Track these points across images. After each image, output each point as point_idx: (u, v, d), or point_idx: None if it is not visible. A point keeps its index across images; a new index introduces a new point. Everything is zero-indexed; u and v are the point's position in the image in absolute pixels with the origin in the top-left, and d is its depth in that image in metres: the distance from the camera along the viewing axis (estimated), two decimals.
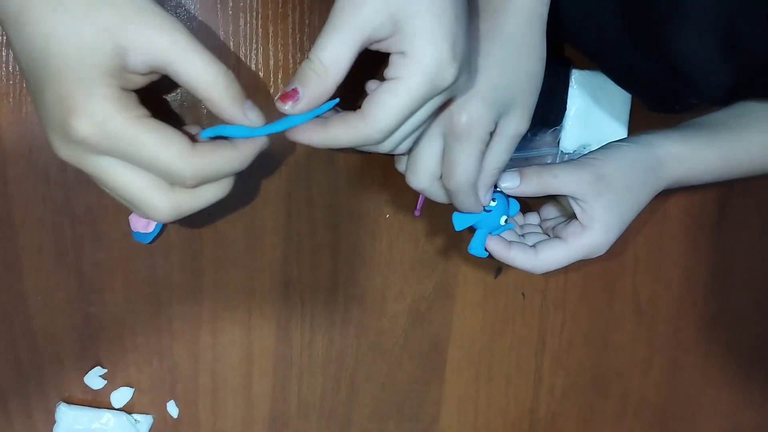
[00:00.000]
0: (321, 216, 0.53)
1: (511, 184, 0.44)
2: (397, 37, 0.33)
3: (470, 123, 0.38)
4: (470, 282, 0.57)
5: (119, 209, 0.49)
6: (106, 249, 0.50)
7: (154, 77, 0.34)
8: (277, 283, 0.54)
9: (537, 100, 0.41)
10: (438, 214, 0.55)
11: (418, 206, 0.54)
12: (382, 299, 0.56)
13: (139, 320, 0.52)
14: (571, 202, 0.45)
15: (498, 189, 0.46)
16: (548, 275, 0.60)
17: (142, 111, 0.32)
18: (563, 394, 0.63)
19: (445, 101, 0.36)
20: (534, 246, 0.46)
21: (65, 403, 0.51)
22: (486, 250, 0.46)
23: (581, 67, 0.54)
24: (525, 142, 0.54)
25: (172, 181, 0.33)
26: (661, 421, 0.66)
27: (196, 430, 0.55)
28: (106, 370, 0.52)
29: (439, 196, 0.44)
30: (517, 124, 0.41)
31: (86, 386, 0.51)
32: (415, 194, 0.54)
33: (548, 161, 0.55)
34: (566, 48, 0.54)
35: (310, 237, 0.53)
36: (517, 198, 0.46)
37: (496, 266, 0.58)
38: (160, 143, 0.32)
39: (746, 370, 0.68)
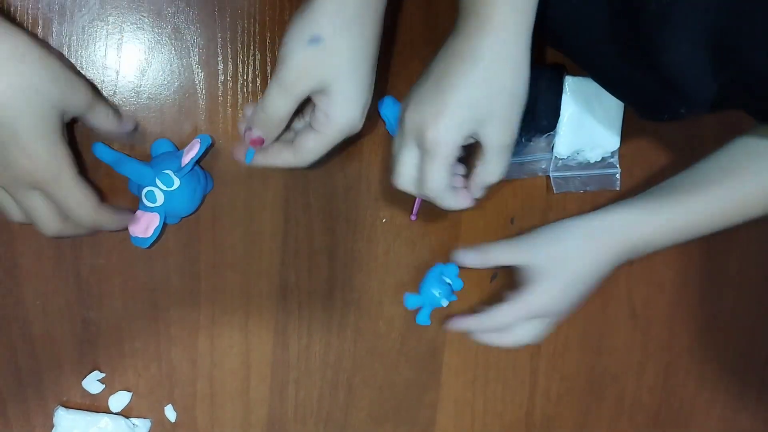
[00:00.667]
0: (318, 221, 0.54)
1: (465, 261, 0.52)
2: (322, 97, 0.42)
3: (436, 140, 0.41)
4: (466, 286, 0.58)
5: None
6: (105, 255, 0.50)
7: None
8: (275, 287, 0.54)
9: (521, 112, 0.42)
10: (433, 219, 0.56)
11: (414, 211, 0.54)
12: (378, 303, 0.57)
13: (137, 325, 0.52)
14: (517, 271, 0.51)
15: (444, 280, 0.55)
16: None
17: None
18: (559, 398, 0.63)
19: None
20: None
21: (63, 408, 0.51)
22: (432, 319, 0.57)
23: (575, 74, 0.54)
24: (519, 147, 0.54)
25: (77, 222, 0.44)
26: (656, 424, 0.67)
27: None
28: (104, 375, 0.52)
29: (425, 197, 0.46)
30: (498, 136, 0.42)
31: (84, 390, 0.52)
32: (411, 199, 0.55)
33: (542, 166, 0.55)
34: (560, 54, 0.55)
35: (308, 242, 0.54)
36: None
37: (491, 272, 0.59)
38: (84, 198, 0.43)
39: (740, 373, 0.68)
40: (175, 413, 0.54)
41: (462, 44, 0.41)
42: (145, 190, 0.48)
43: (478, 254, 0.51)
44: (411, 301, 0.56)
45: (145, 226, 0.48)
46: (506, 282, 0.55)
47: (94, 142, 0.47)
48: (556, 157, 0.55)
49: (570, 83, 0.54)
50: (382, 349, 0.58)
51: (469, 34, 0.41)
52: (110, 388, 0.52)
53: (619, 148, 0.56)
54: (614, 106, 0.55)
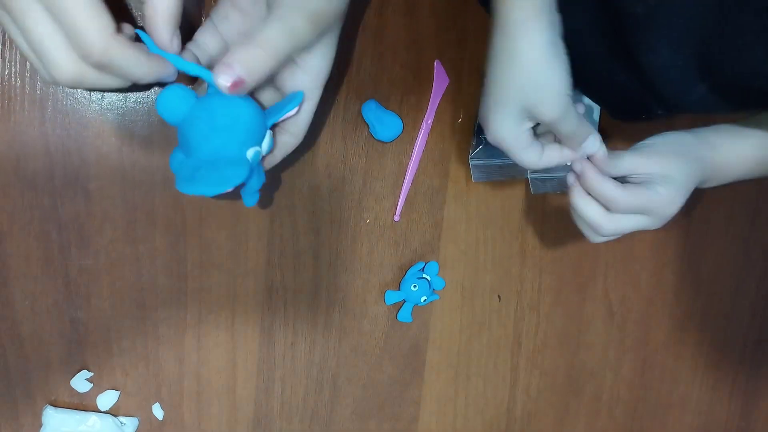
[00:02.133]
0: (303, 222, 0.55)
1: (592, 148, 0.48)
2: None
3: (495, 140, 0.46)
4: (448, 285, 0.59)
5: (106, 216, 0.50)
6: (93, 255, 0.51)
7: None
8: (261, 287, 0.55)
9: (564, 93, 0.43)
10: (417, 219, 0.57)
11: (398, 211, 0.56)
12: (362, 302, 0.58)
13: (125, 324, 0.53)
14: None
15: (423, 276, 0.57)
16: (523, 278, 0.62)
17: None
18: (539, 394, 0.65)
19: None
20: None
21: (52, 407, 0.52)
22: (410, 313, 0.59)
23: None
24: (498, 150, 0.56)
25: (82, 50, 0.34)
26: (633, 418, 0.69)
27: None
28: (92, 374, 0.53)
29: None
30: (549, 111, 0.44)
31: (73, 389, 0.52)
32: (393, 201, 0.56)
33: (520, 169, 0.57)
34: None
35: (293, 243, 0.55)
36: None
37: (470, 275, 0.60)
38: (90, 12, 0.33)
39: (714, 369, 0.70)
40: (162, 411, 0.55)
41: (497, 43, 0.43)
42: (252, 152, 0.40)
43: (606, 161, 0.48)
44: (390, 297, 0.57)
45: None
46: None
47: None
48: None
49: None
50: (366, 347, 0.59)
51: (501, 33, 0.42)
52: (98, 387, 0.53)
53: None
54: (590, 115, 0.57)
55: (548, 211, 0.61)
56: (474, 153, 0.56)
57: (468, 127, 0.57)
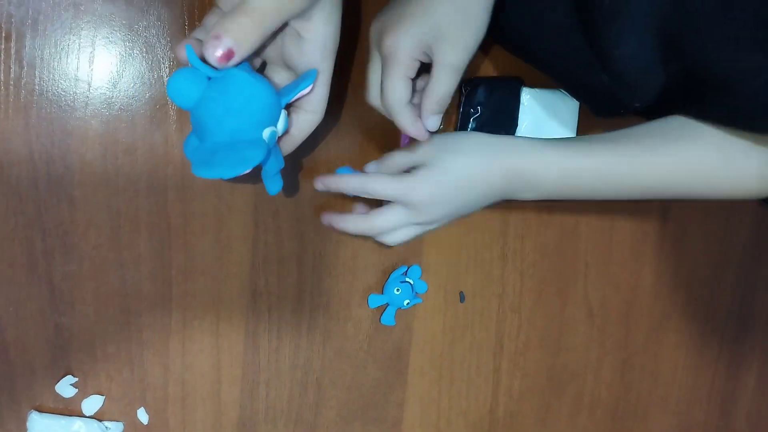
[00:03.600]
0: (287, 227, 0.56)
1: (369, 168, 0.50)
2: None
3: (393, 46, 0.43)
4: (431, 288, 0.60)
5: (90, 223, 0.51)
6: (77, 261, 0.51)
7: None
8: (245, 292, 0.56)
9: (476, 40, 0.44)
10: None
11: (403, 142, 0.55)
12: (346, 306, 0.59)
13: (110, 330, 0.53)
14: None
15: (406, 280, 0.58)
16: (505, 281, 0.63)
17: None
18: (521, 395, 0.66)
19: None
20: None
21: (37, 412, 0.52)
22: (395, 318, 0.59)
23: (531, 86, 0.57)
24: None
25: None
26: (614, 419, 0.70)
27: None
28: (77, 379, 0.53)
29: (387, 113, 0.47)
30: (449, 55, 0.44)
31: (57, 395, 0.53)
32: (378, 204, 0.57)
33: None
34: (517, 65, 0.57)
35: (277, 247, 0.56)
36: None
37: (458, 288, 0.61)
38: None
39: (692, 369, 0.71)
40: (147, 416, 0.55)
41: None
42: (268, 132, 0.40)
43: (380, 162, 0.49)
44: (374, 300, 0.58)
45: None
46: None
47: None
48: None
49: (526, 94, 0.57)
50: (350, 350, 0.60)
51: None
52: (83, 392, 0.53)
53: None
54: (569, 115, 0.59)
55: (528, 215, 0.62)
56: None
57: (446, 127, 0.58)
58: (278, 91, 0.40)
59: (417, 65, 0.45)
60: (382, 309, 0.59)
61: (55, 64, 0.49)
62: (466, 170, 0.46)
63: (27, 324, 0.51)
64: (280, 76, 0.44)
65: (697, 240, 0.68)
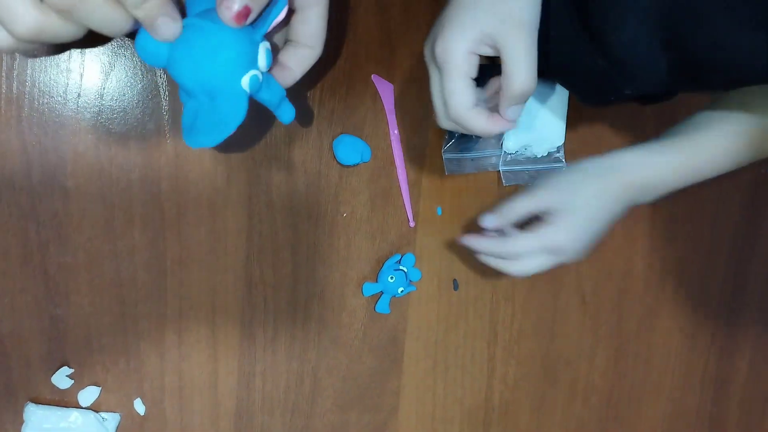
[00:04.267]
0: (281, 217, 0.56)
1: (490, 224, 0.52)
2: None
3: (444, 50, 0.42)
4: (424, 276, 0.61)
5: (84, 214, 0.51)
6: (72, 252, 0.52)
7: None
8: (240, 282, 0.56)
9: (537, 13, 0.42)
10: (392, 213, 0.59)
11: (410, 218, 0.58)
12: (341, 295, 0.59)
13: (105, 321, 0.53)
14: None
15: (399, 268, 0.58)
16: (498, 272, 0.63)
17: None
18: (515, 383, 0.66)
19: None
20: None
21: (33, 403, 0.52)
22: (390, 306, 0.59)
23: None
24: (470, 144, 0.57)
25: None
26: (608, 406, 0.70)
27: (163, 427, 0.56)
28: (72, 370, 0.53)
29: (456, 127, 0.45)
30: (513, 37, 0.41)
31: (54, 386, 0.53)
32: (370, 194, 0.57)
33: (492, 161, 0.59)
34: None
35: (271, 238, 0.56)
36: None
37: (452, 277, 0.62)
38: None
39: (685, 356, 0.72)
40: (144, 407, 0.55)
41: None
42: (247, 78, 0.36)
43: (499, 215, 0.51)
44: (368, 288, 0.58)
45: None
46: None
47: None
48: (505, 152, 0.58)
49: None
50: (345, 340, 0.60)
51: None
52: (79, 383, 0.53)
53: (564, 143, 0.59)
54: (559, 105, 0.59)
55: None
56: (447, 146, 0.57)
57: None
58: (252, 26, 0.37)
59: (476, 60, 0.42)
60: (377, 297, 0.59)
61: (47, 55, 0.49)
62: (592, 203, 0.50)
63: (22, 316, 0.51)
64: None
65: (688, 226, 0.69)
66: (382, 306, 0.59)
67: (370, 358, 0.61)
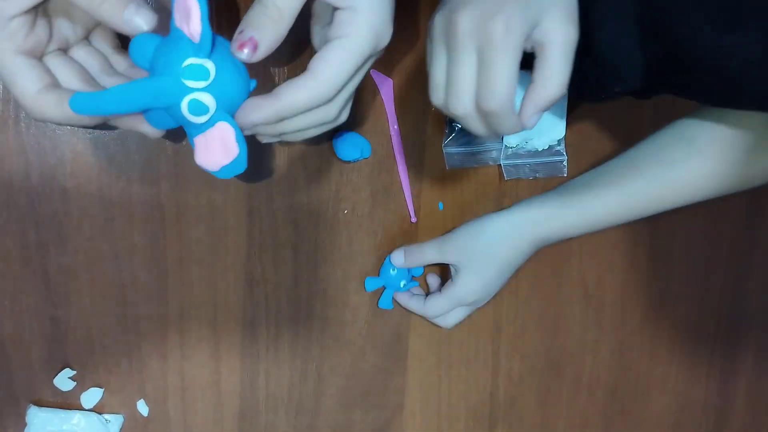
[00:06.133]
0: (281, 214, 0.56)
1: (397, 262, 0.57)
2: None
3: (504, 29, 0.36)
4: (427, 272, 0.60)
5: (84, 214, 0.51)
6: (71, 253, 0.51)
7: None
8: (241, 281, 0.56)
9: (576, 10, 0.39)
10: (393, 208, 0.58)
11: (411, 214, 0.57)
12: (343, 293, 0.59)
13: (106, 322, 0.53)
14: (452, 270, 0.57)
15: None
16: None
17: (23, 44, 0.35)
18: (520, 378, 0.66)
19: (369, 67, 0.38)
20: (426, 297, 0.59)
21: (36, 406, 0.52)
22: (393, 302, 0.60)
23: (521, 69, 0.58)
24: (471, 137, 0.57)
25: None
26: (613, 399, 0.70)
27: (167, 428, 0.56)
28: (75, 372, 0.53)
29: (476, 126, 0.41)
30: (561, 30, 0.38)
31: (56, 388, 0.52)
32: (371, 191, 0.57)
33: (493, 155, 0.58)
34: None
35: (272, 235, 0.56)
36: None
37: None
38: (14, 73, 0.35)
39: (690, 348, 0.72)
40: (147, 408, 0.55)
41: None
42: (185, 104, 0.33)
43: (409, 255, 0.57)
44: (370, 283, 0.58)
45: (218, 146, 0.34)
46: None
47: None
48: (506, 146, 0.58)
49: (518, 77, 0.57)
50: (348, 337, 0.60)
51: None
52: (81, 385, 0.53)
53: (565, 136, 0.59)
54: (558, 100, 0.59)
55: (522, 195, 0.62)
56: (447, 141, 0.57)
57: (440, 116, 0.58)
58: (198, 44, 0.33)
59: (526, 38, 0.38)
60: (380, 293, 0.59)
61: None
62: (500, 259, 0.56)
63: (23, 318, 0.51)
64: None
65: (692, 220, 0.68)
66: (385, 302, 0.59)
67: (373, 356, 0.61)
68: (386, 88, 0.56)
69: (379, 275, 0.58)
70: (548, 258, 0.64)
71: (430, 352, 0.62)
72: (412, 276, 0.59)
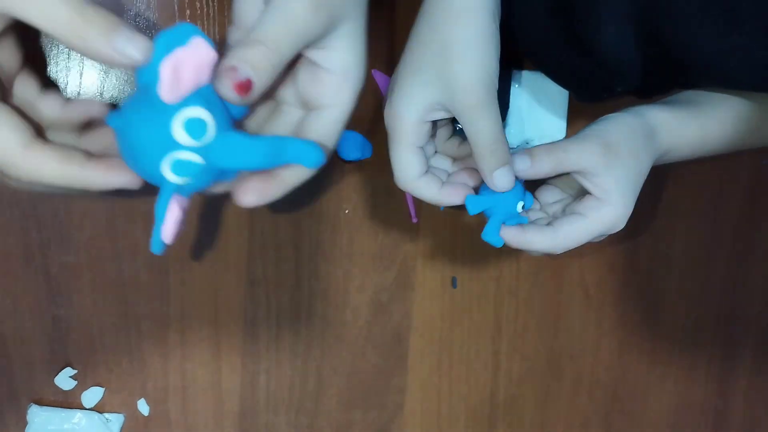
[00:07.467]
0: (282, 214, 0.56)
1: (522, 166, 0.43)
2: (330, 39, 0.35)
3: (393, 116, 0.42)
4: (428, 272, 0.60)
5: (86, 213, 0.51)
6: (73, 252, 0.51)
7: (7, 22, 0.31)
8: (243, 280, 0.56)
9: (496, 63, 0.40)
10: (394, 208, 0.58)
11: (413, 214, 0.57)
12: (344, 292, 0.59)
13: (108, 321, 0.53)
14: (580, 178, 0.44)
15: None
16: (501, 264, 0.63)
17: None
18: (520, 378, 0.66)
19: None
20: (550, 224, 0.43)
21: (36, 405, 0.52)
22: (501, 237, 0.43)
23: (521, 68, 0.58)
24: None
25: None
26: (613, 400, 0.70)
27: (167, 427, 0.56)
28: (76, 371, 0.53)
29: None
30: (471, 95, 0.40)
31: (57, 387, 0.52)
32: (373, 189, 0.57)
33: None
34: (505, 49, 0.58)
35: (273, 235, 0.56)
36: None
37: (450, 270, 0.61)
38: None
39: (690, 349, 0.72)
40: (148, 407, 0.55)
41: (428, 32, 0.40)
42: (167, 165, 0.33)
43: (551, 156, 0.43)
44: (473, 203, 0.42)
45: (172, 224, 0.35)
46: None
47: None
48: None
49: (517, 77, 0.58)
50: (349, 337, 0.60)
51: (433, 22, 0.40)
52: (82, 384, 0.53)
53: (565, 137, 0.59)
54: (560, 98, 0.59)
55: None
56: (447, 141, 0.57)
57: None
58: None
59: (427, 127, 0.41)
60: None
61: (45, 52, 0.49)
62: (642, 167, 0.45)
63: (24, 317, 0.51)
64: (291, 116, 0.39)
65: (689, 219, 0.69)
66: (491, 232, 0.42)
67: (374, 356, 0.61)
68: (387, 88, 0.56)
69: (479, 193, 0.44)
70: (549, 258, 0.65)
71: (430, 353, 0.62)
72: (524, 209, 0.45)
